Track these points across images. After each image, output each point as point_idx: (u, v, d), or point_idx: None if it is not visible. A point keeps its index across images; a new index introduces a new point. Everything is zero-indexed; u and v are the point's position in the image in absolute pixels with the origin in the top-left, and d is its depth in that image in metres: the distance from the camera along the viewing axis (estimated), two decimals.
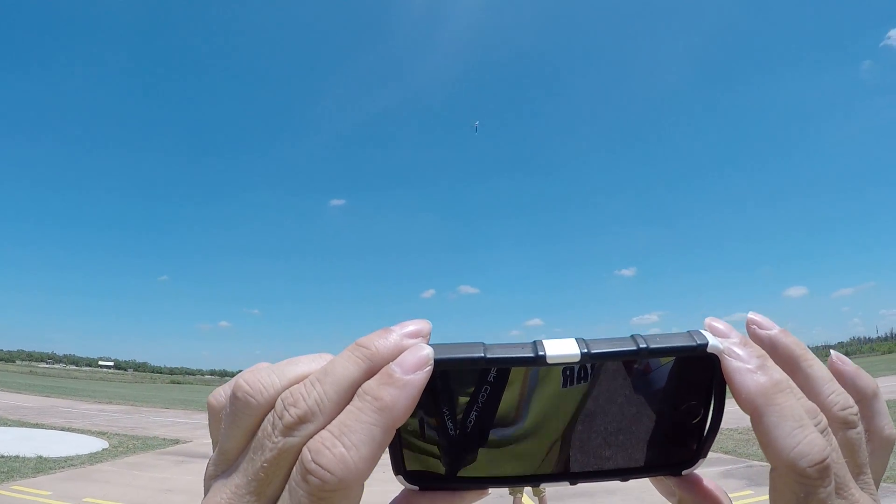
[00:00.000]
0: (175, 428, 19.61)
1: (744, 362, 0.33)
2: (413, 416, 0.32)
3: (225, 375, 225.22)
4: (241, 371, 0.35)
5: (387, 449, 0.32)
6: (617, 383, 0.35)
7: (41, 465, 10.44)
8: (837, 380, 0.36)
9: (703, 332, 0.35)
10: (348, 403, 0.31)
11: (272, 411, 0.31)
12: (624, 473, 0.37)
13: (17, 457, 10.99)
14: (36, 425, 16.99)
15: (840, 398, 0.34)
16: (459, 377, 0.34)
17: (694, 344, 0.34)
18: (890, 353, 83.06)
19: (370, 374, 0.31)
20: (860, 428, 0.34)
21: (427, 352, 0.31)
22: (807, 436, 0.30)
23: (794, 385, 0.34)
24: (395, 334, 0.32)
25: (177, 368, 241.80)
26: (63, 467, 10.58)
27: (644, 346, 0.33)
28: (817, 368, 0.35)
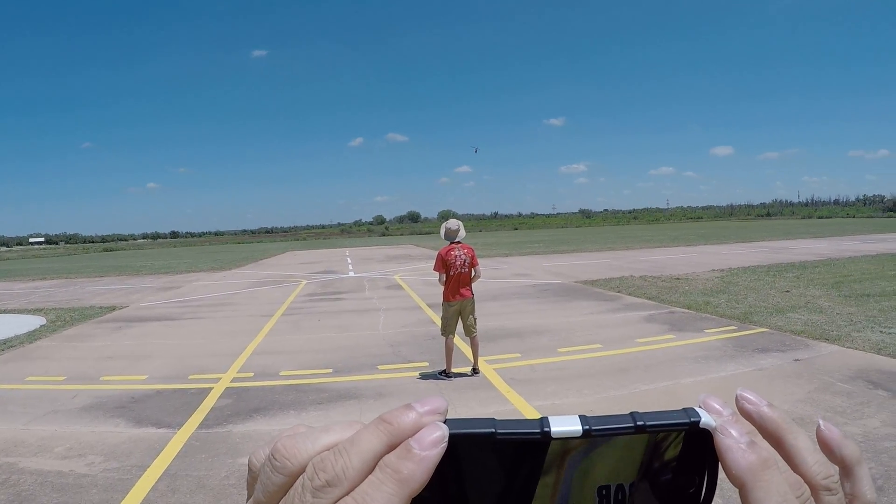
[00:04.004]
0: (111, 295, 19.65)
1: (735, 440, 0.36)
2: (431, 486, 0.34)
3: (157, 237, 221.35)
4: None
5: None
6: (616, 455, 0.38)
7: None
8: (825, 447, 0.39)
9: (697, 409, 0.38)
10: (371, 472, 0.34)
11: (304, 473, 0.34)
12: None
13: None
14: None
15: (822, 468, 0.37)
16: (476, 453, 0.36)
17: (688, 421, 0.37)
18: (809, 217, 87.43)
19: (391, 447, 0.34)
20: (840, 494, 0.38)
21: (443, 431, 0.35)
22: None
23: (780, 460, 0.37)
24: (416, 412, 0.36)
25: (109, 236, 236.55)
26: (2, 350, 10.58)
27: (641, 422, 0.36)
28: (802, 440, 0.38)
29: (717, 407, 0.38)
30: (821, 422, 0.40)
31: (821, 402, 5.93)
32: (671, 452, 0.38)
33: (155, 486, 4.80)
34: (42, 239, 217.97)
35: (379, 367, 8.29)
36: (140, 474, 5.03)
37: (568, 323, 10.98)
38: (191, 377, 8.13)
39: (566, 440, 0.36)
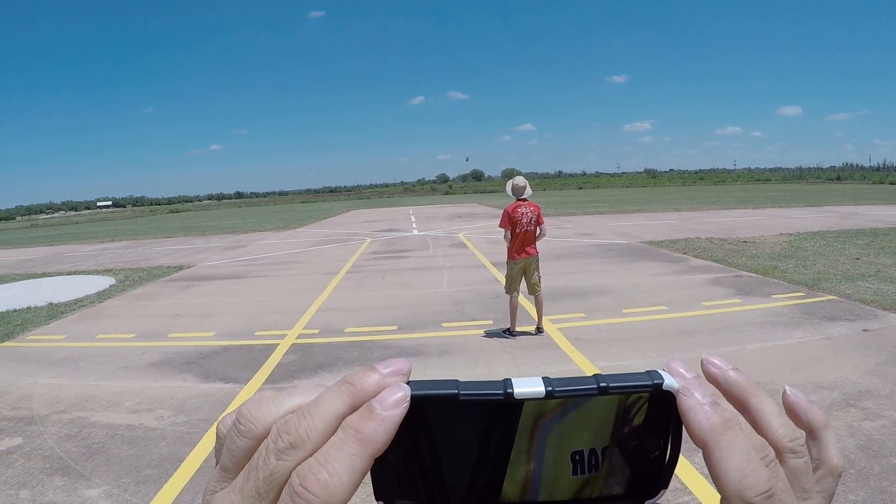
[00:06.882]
0: (178, 255, 20.05)
1: (697, 401, 0.35)
2: (395, 446, 0.34)
3: (222, 198, 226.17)
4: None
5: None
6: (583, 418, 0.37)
7: (53, 312, 10.64)
8: (791, 412, 0.39)
9: (660, 371, 0.37)
10: (334, 433, 0.34)
11: (268, 436, 0.35)
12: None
13: (29, 308, 11.15)
14: (43, 274, 17.09)
15: (788, 430, 0.37)
16: (445, 416, 0.37)
17: (651, 383, 0.36)
18: (881, 183, 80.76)
19: (354, 408, 0.35)
20: (806, 457, 0.37)
21: (404, 391, 0.35)
22: (753, 469, 0.33)
23: (743, 421, 0.37)
24: (378, 373, 0.36)
25: (174, 198, 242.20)
26: (74, 310, 10.83)
27: (604, 384, 0.36)
28: (766, 404, 0.38)
29: (681, 370, 0.38)
30: (787, 387, 0.40)
31: (889, 375, 5.61)
32: (640, 418, 0.38)
33: None
34: (110, 202, 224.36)
35: (443, 324, 8.24)
36: (207, 428, 5.10)
37: (632, 284, 10.73)
38: (257, 334, 8.22)
39: (541, 405, 0.36)
